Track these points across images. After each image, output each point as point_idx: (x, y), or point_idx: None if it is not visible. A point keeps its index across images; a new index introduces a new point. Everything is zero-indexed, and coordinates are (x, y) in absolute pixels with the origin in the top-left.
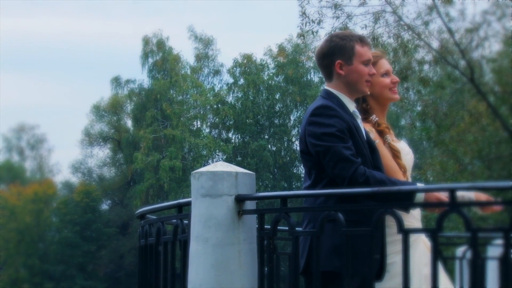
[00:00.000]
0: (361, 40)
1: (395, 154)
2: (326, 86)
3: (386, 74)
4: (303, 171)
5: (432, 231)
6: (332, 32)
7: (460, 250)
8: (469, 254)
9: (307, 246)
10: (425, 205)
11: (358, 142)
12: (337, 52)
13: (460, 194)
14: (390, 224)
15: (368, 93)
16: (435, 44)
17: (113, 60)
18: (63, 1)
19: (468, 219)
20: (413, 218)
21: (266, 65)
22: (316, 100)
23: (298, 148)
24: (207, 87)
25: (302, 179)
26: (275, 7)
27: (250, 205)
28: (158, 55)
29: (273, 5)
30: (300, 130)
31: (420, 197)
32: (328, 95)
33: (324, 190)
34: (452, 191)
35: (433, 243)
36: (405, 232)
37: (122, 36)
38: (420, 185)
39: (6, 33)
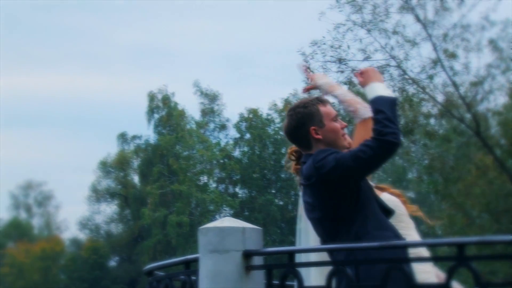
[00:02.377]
0: (321, 100)
1: (384, 188)
2: (306, 153)
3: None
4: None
5: (442, 286)
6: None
7: None
8: None
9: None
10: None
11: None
12: (307, 120)
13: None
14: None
15: (347, 145)
16: (440, 97)
17: (118, 116)
18: (66, 59)
19: (478, 274)
20: (430, 264)
21: (271, 119)
22: (308, 160)
23: None
24: (213, 142)
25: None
26: (279, 62)
27: (257, 260)
28: (164, 111)
29: (277, 60)
30: (305, 201)
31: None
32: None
33: (332, 245)
34: (460, 246)
35: None
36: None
37: (126, 92)
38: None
39: (11, 91)
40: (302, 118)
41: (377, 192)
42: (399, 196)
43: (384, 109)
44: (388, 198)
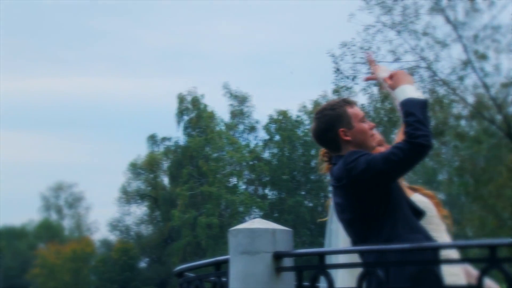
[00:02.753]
0: (348, 102)
1: (417, 189)
2: (335, 154)
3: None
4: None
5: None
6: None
7: None
8: None
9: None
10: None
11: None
12: (335, 122)
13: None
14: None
15: (375, 145)
16: (470, 99)
17: (148, 118)
18: (94, 62)
19: (509, 275)
20: (460, 267)
21: (301, 121)
22: (339, 162)
23: None
24: (243, 144)
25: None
26: (309, 63)
27: (288, 262)
28: (193, 113)
29: (306, 62)
30: (336, 202)
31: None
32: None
33: (362, 247)
34: (492, 248)
35: None
36: None
37: (155, 94)
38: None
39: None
40: (331, 121)
41: (409, 192)
42: (432, 197)
43: (415, 111)
44: (419, 199)
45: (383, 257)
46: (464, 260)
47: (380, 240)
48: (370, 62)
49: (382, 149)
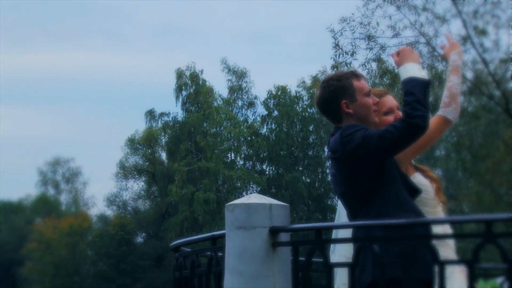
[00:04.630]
0: (355, 74)
1: (422, 169)
2: (336, 125)
3: (389, 112)
4: (338, 202)
5: (468, 262)
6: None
7: (498, 281)
8: (506, 286)
9: (368, 258)
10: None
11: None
12: (339, 93)
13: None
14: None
15: (378, 122)
16: (469, 74)
17: (146, 94)
18: (90, 37)
19: (505, 251)
20: (449, 248)
21: (300, 97)
22: (337, 133)
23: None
24: (241, 119)
25: (337, 210)
26: (308, 39)
27: (284, 237)
28: (192, 88)
29: (305, 37)
30: (332, 173)
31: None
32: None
33: (358, 222)
34: (488, 223)
35: (469, 275)
36: (441, 264)
37: (153, 70)
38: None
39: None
40: (335, 91)
41: (411, 171)
42: (435, 181)
43: (415, 91)
44: (419, 180)
45: (371, 233)
46: (459, 235)
47: (369, 216)
48: (448, 38)
49: (391, 118)
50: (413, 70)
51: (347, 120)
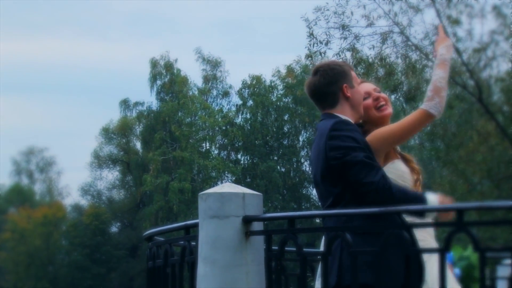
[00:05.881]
0: (350, 66)
1: (407, 158)
2: (326, 111)
3: (366, 96)
4: (313, 192)
5: (440, 250)
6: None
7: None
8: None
9: (336, 262)
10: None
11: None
12: (341, 77)
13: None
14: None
15: (362, 113)
16: None
17: (120, 83)
18: (63, 26)
19: (476, 239)
20: (427, 233)
21: (275, 86)
22: (328, 120)
23: (307, 168)
24: (216, 109)
25: (311, 200)
26: (283, 28)
27: (257, 226)
28: (166, 77)
29: (280, 27)
30: (314, 150)
31: (433, 199)
32: (337, 117)
33: (332, 211)
34: (460, 211)
35: (440, 263)
36: (416, 252)
37: (127, 59)
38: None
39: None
40: (337, 75)
41: (393, 157)
42: (416, 173)
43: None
44: (398, 166)
45: (341, 222)
46: (432, 224)
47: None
48: (441, 30)
49: (369, 101)
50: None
51: (343, 105)
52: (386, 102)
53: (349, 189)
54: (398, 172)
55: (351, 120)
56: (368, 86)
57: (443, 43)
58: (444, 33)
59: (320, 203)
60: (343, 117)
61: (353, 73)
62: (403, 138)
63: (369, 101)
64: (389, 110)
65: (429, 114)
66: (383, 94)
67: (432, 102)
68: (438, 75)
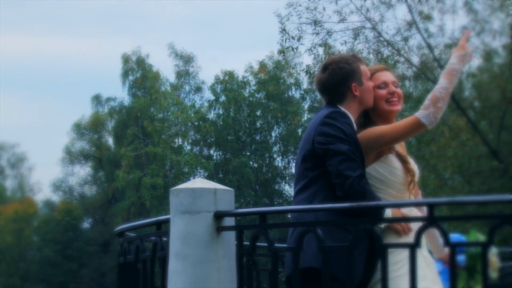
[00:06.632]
0: (358, 58)
1: (403, 159)
2: (332, 105)
3: (383, 86)
4: (284, 188)
5: (411, 246)
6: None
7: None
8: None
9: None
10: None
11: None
12: (349, 76)
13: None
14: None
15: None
16: (415, 59)
17: (90, 78)
18: (34, 22)
19: (447, 233)
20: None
21: (247, 81)
22: (328, 108)
23: (279, 164)
24: (188, 104)
25: (284, 195)
26: (256, 24)
27: (229, 221)
28: (138, 73)
29: (252, 22)
30: (306, 132)
31: (387, 213)
32: (337, 107)
33: (304, 206)
34: (431, 206)
35: (411, 258)
36: (382, 248)
37: (98, 54)
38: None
39: None
40: (346, 74)
41: (386, 151)
42: (412, 176)
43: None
44: (389, 161)
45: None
46: (403, 219)
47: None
48: (465, 38)
49: (384, 92)
50: None
51: (350, 102)
52: (398, 99)
53: (324, 177)
54: (390, 167)
55: (353, 115)
56: (388, 77)
57: (459, 51)
58: (466, 40)
59: (293, 184)
60: (343, 109)
61: (362, 68)
62: (392, 141)
63: (384, 92)
64: (399, 107)
65: (420, 123)
66: (399, 90)
67: (426, 112)
68: (440, 85)
